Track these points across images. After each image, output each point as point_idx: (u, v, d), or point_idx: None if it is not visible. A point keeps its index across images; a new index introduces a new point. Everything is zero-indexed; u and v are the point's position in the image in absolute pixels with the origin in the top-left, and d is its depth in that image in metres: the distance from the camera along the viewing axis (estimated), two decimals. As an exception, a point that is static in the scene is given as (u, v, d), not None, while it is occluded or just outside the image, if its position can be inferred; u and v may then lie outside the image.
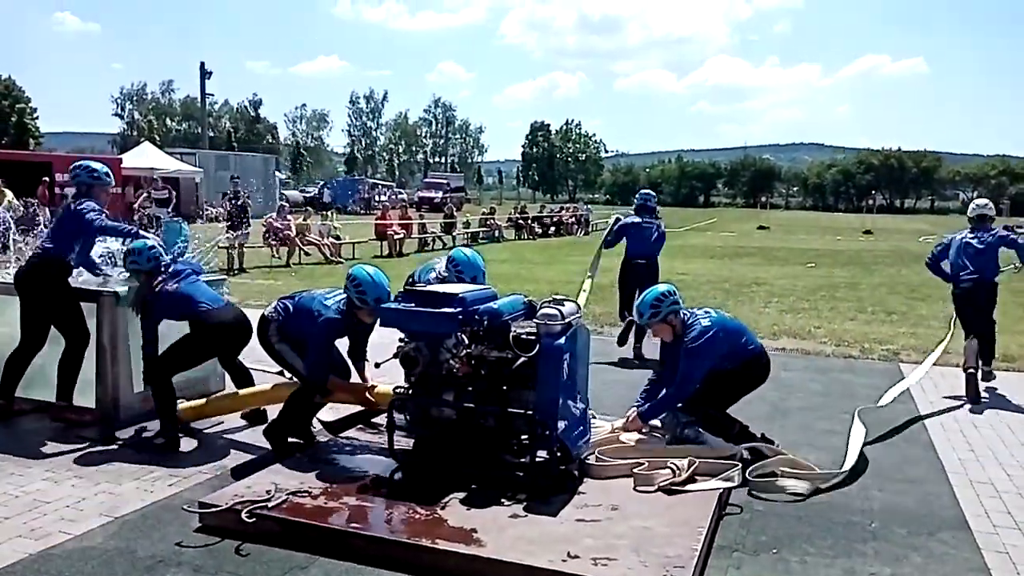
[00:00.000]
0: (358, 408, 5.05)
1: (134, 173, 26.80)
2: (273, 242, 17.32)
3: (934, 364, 6.63)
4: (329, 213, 24.88)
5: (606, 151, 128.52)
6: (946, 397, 6.45)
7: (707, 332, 4.63)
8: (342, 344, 4.90)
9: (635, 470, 4.16)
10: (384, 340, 4.59)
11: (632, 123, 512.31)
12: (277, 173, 43.13)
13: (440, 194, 49.22)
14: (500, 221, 29.01)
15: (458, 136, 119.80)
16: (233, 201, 16.81)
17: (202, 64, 46.08)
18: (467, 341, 4.10)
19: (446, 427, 4.20)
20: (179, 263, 5.13)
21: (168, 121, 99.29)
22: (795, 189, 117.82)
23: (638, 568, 3.22)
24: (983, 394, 6.40)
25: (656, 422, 4.82)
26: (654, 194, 8.93)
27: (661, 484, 4.06)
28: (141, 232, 5.23)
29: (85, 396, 5.27)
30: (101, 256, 5.73)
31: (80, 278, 5.48)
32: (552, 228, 31.64)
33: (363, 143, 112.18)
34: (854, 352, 8.33)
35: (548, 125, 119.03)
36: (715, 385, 4.68)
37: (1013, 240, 6.73)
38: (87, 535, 3.61)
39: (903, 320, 10.61)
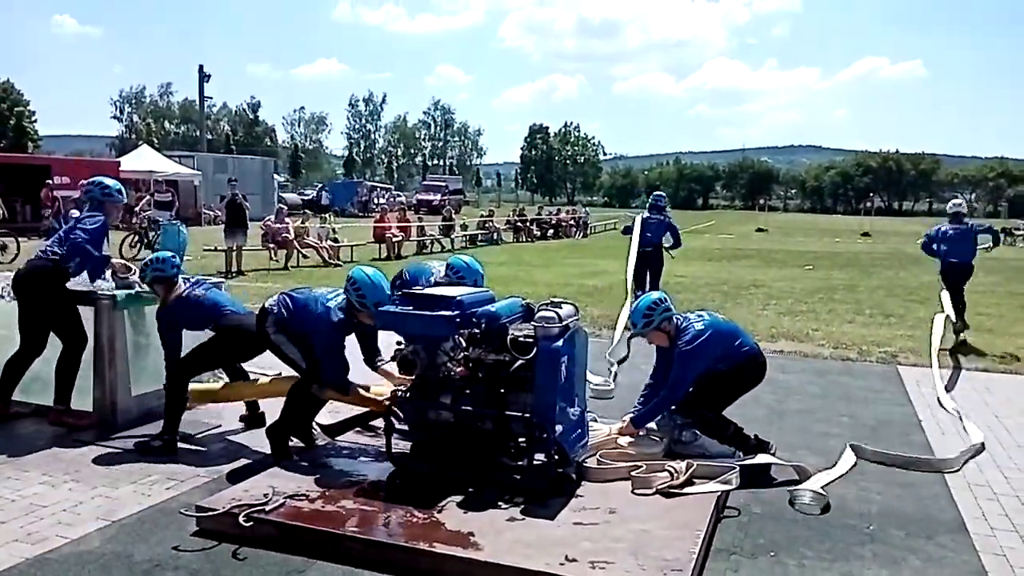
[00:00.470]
0: (357, 410, 5.04)
1: (132, 176, 26.81)
2: (271, 245, 17.31)
3: (939, 367, 6.95)
4: (327, 216, 24.90)
5: (605, 154, 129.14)
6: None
7: (700, 335, 4.63)
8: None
9: (633, 473, 4.16)
10: (383, 342, 4.58)
11: (631, 126, 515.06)
12: (275, 176, 43.06)
13: (439, 197, 49.32)
14: (498, 223, 29.00)
15: (457, 139, 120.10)
16: (230, 204, 16.75)
17: (200, 67, 46.16)
18: (464, 344, 4.10)
19: (444, 430, 4.19)
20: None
21: (167, 124, 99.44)
22: (793, 191, 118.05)
23: (636, 571, 3.21)
24: (985, 399, 6.47)
25: (652, 425, 4.81)
26: (664, 195, 11.46)
27: (659, 487, 4.06)
28: (106, 274, 5.32)
29: (83, 399, 5.26)
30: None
31: (78, 281, 5.47)
32: (550, 230, 31.67)
33: (362, 146, 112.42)
34: (852, 354, 8.33)
35: (547, 128, 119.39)
36: (710, 387, 4.69)
37: (986, 227, 10.01)
38: (84, 539, 3.60)
39: (901, 322, 10.62)
